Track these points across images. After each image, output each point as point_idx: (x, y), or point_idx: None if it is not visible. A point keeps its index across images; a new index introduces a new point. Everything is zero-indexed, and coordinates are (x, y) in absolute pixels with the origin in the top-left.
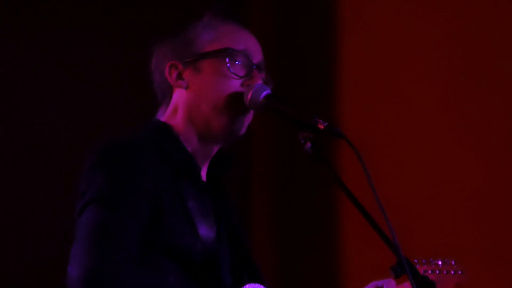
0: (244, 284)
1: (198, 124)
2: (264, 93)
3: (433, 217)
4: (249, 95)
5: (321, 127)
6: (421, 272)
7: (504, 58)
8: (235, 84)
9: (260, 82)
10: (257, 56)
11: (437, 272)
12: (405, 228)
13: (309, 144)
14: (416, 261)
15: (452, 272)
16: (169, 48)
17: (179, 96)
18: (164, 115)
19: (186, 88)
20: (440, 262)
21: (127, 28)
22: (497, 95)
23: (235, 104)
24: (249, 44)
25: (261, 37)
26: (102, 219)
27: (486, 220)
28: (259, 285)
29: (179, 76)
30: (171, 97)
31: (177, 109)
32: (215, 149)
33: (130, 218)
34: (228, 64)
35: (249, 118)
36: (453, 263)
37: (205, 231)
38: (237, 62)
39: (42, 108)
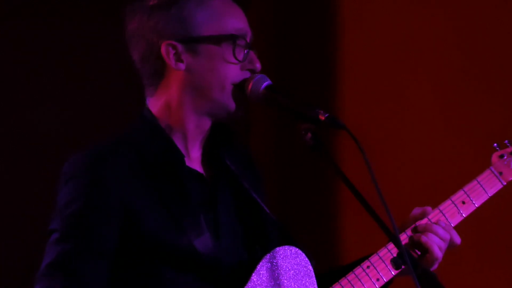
0: (259, 258)
1: (198, 107)
2: (265, 84)
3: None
4: (250, 86)
5: (322, 118)
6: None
7: (503, 58)
8: (235, 69)
9: (258, 64)
10: (249, 32)
11: None
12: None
13: (309, 135)
14: (495, 145)
15: (505, 156)
16: (160, 21)
17: (176, 77)
18: (154, 97)
19: (185, 70)
20: None
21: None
22: (497, 93)
23: (238, 92)
24: (243, 21)
25: (261, 35)
26: (62, 254)
27: (485, 218)
28: (289, 246)
29: (177, 57)
30: (163, 76)
31: (173, 90)
32: (209, 124)
33: (92, 249)
34: (231, 50)
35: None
36: None
37: (194, 230)
38: (237, 47)
39: (42, 108)
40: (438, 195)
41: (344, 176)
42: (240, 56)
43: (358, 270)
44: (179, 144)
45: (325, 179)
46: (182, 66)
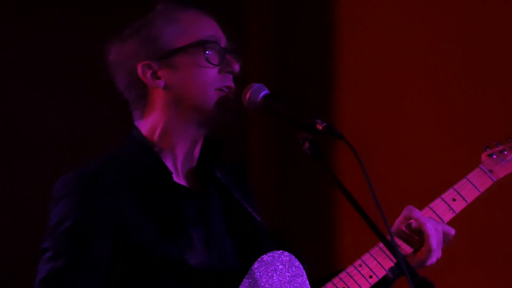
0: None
1: (184, 120)
2: (263, 94)
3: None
4: (247, 95)
5: (320, 127)
6: (488, 156)
7: (502, 58)
8: (213, 73)
9: (236, 65)
10: (223, 38)
11: None
12: None
13: (307, 145)
14: (484, 147)
15: (506, 152)
16: (133, 47)
17: (157, 95)
18: (143, 120)
19: (164, 87)
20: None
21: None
22: (495, 94)
23: (223, 97)
24: (213, 28)
25: (259, 37)
26: (56, 270)
27: (485, 219)
28: (278, 251)
29: (154, 76)
30: (146, 98)
31: (157, 109)
32: (199, 136)
33: (86, 264)
34: (205, 55)
35: (228, 99)
36: None
37: (185, 244)
38: (210, 52)
39: (41, 107)
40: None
41: (342, 185)
42: (215, 60)
43: (350, 269)
44: (168, 161)
45: (324, 185)
46: (160, 83)
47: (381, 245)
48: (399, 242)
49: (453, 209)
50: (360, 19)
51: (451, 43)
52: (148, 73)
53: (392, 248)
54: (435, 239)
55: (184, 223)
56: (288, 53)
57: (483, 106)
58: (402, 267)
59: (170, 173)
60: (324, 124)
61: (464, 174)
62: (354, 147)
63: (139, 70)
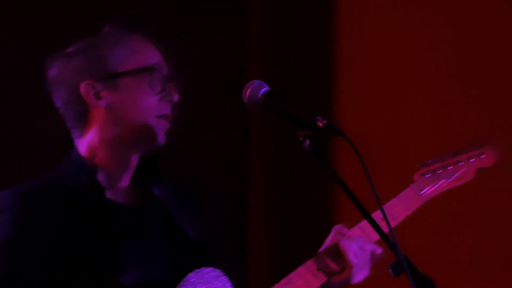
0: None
1: (121, 141)
2: (263, 91)
3: (430, 215)
4: (248, 92)
5: (321, 124)
6: (424, 173)
7: (503, 60)
8: (154, 100)
9: (176, 95)
10: (165, 67)
11: (450, 168)
12: (402, 226)
13: (308, 142)
14: (418, 165)
15: (473, 159)
16: (78, 65)
17: (97, 115)
18: (82, 138)
19: (105, 107)
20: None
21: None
22: (495, 94)
23: (159, 126)
24: (157, 56)
25: (259, 36)
26: None
27: (486, 219)
28: (208, 268)
29: (97, 96)
30: (86, 116)
31: (96, 128)
32: (135, 157)
33: (15, 284)
34: (148, 83)
35: (166, 127)
36: (474, 148)
37: (116, 262)
38: (154, 79)
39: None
40: (436, 200)
41: (343, 183)
42: (158, 88)
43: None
44: (103, 178)
45: (323, 184)
46: (102, 103)
47: (309, 263)
48: (327, 260)
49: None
50: (361, 18)
51: (452, 43)
52: (91, 92)
53: (393, 246)
54: (354, 257)
55: (116, 239)
56: (288, 52)
57: (484, 106)
58: (403, 264)
59: (103, 190)
60: (325, 121)
61: None
62: (355, 144)
63: (82, 88)
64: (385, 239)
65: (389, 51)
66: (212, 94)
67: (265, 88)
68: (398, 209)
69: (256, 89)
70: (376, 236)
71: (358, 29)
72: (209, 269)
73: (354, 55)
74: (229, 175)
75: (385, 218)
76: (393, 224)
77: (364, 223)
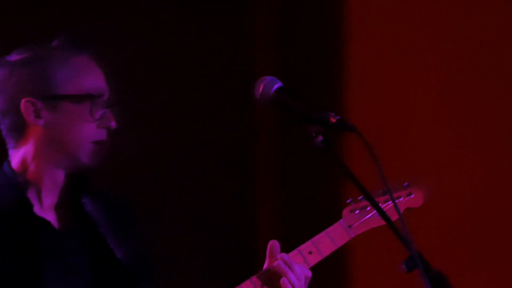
0: None
1: (54, 161)
2: (276, 87)
3: (434, 213)
4: (261, 89)
5: (334, 120)
6: (352, 210)
7: (506, 58)
8: (92, 126)
9: (113, 122)
10: (106, 91)
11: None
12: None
13: (320, 138)
14: (349, 201)
15: (401, 199)
16: (21, 78)
17: (34, 131)
18: (15, 150)
19: (43, 126)
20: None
21: (127, 28)
22: (503, 95)
23: (94, 151)
24: (100, 81)
25: (267, 35)
26: None
27: (487, 217)
28: None
29: (36, 114)
30: (23, 130)
31: (31, 143)
32: (63, 175)
33: None
34: (88, 109)
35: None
36: (403, 188)
37: (38, 280)
38: (94, 106)
39: None
40: (445, 198)
41: (355, 179)
42: (97, 115)
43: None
44: (32, 195)
45: (332, 181)
46: (40, 122)
47: (254, 279)
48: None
49: (308, 262)
50: (370, 15)
51: (459, 41)
52: (31, 110)
53: (406, 242)
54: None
55: (40, 257)
56: (297, 50)
57: (488, 103)
58: (416, 260)
59: (31, 206)
60: (337, 117)
61: (469, 167)
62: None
63: (22, 104)
64: (397, 234)
65: (398, 48)
66: (220, 92)
67: (278, 84)
68: (325, 243)
69: (269, 85)
70: (313, 261)
71: (367, 25)
72: None
73: (363, 51)
74: (236, 173)
75: (398, 211)
76: (318, 258)
77: (292, 254)
